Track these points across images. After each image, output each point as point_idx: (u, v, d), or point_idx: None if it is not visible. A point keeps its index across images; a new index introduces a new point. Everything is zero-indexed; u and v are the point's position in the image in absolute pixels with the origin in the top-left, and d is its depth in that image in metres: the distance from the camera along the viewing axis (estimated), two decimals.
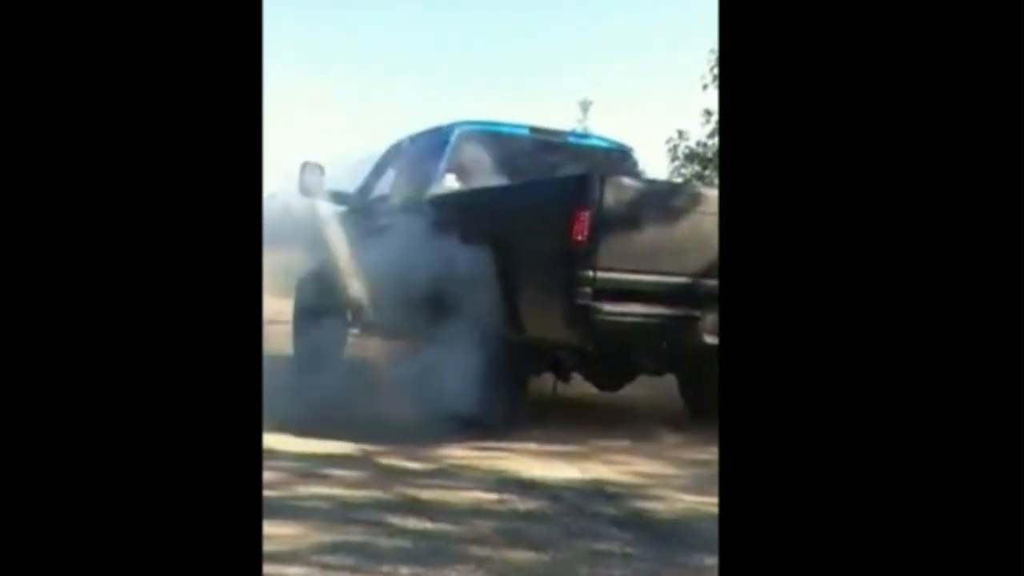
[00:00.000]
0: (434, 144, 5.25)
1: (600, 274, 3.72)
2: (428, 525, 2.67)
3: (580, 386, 4.72)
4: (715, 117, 10.59)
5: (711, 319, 3.76)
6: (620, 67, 24.61)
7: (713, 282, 3.63)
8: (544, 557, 2.42)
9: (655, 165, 10.56)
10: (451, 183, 5.04)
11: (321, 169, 5.33)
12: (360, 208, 5.64)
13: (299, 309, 6.20)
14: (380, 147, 5.92)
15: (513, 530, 2.65)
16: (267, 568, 1.82)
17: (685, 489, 3.26)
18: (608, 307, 3.73)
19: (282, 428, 3.62)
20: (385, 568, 2.27)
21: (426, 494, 3.04)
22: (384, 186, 5.71)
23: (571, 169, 4.91)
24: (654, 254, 3.82)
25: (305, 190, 5.32)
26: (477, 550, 2.45)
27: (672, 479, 3.46)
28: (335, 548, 2.41)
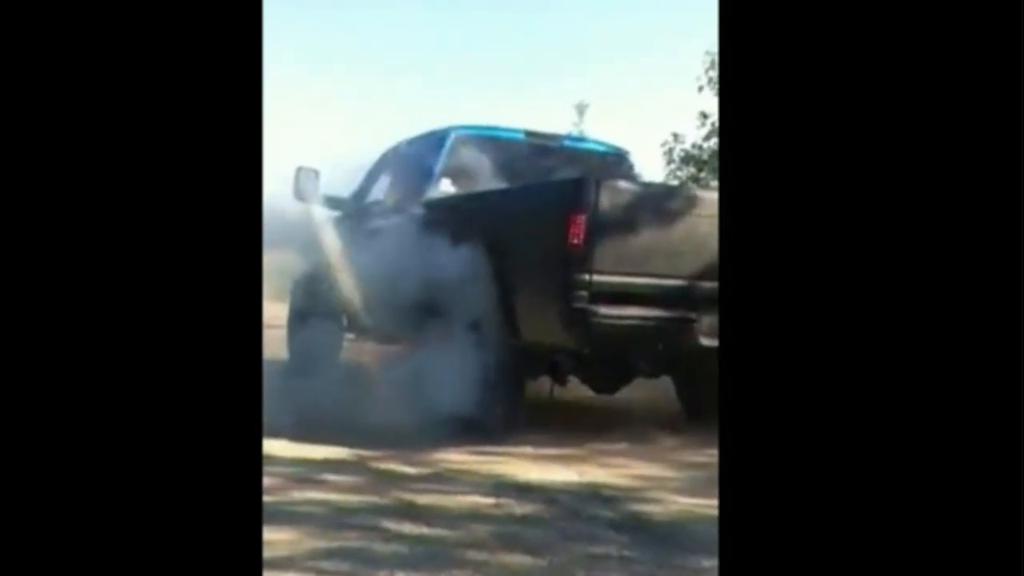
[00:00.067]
0: (429, 148, 5.25)
1: (596, 277, 3.72)
2: (424, 530, 2.66)
3: (577, 389, 4.72)
4: (710, 120, 10.59)
5: (707, 321, 3.75)
6: (619, 67, 24.61)
7: (709, 284, 3.63)
8: (541, 561, 2.41)
9: (651, 168, 10.59)
10: (447, 187, 5.04)
11: (316, 174, 5.32)
12: (355, 212, 5.63)
13: (294, 313, 6.20)
14: (379, 149, 5.91)
15: (510, 534, 2.65)
16: (263, 574, 1.80)
17: (682, 492, 3.25)
18: (604, 310, 3.73)
19: (277, 433, 3.59)
20: (381, 573, 2.26)
21: (422, 498, 3.03)
22: (379, 190, 5.71)
23: (567, 173, 4.90)
24: (650, 257, 3.82)
25: (300, 195, 5.31)
26: (473, 554, 2.44)
27: (669, 482, 3.46)
28: (331, 554, 2.40)
